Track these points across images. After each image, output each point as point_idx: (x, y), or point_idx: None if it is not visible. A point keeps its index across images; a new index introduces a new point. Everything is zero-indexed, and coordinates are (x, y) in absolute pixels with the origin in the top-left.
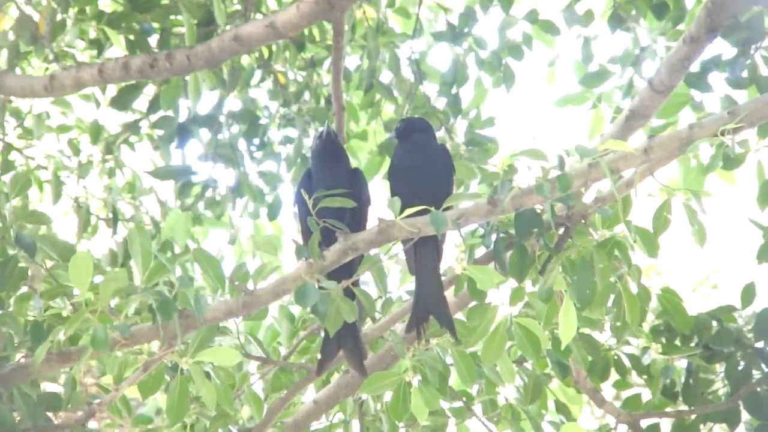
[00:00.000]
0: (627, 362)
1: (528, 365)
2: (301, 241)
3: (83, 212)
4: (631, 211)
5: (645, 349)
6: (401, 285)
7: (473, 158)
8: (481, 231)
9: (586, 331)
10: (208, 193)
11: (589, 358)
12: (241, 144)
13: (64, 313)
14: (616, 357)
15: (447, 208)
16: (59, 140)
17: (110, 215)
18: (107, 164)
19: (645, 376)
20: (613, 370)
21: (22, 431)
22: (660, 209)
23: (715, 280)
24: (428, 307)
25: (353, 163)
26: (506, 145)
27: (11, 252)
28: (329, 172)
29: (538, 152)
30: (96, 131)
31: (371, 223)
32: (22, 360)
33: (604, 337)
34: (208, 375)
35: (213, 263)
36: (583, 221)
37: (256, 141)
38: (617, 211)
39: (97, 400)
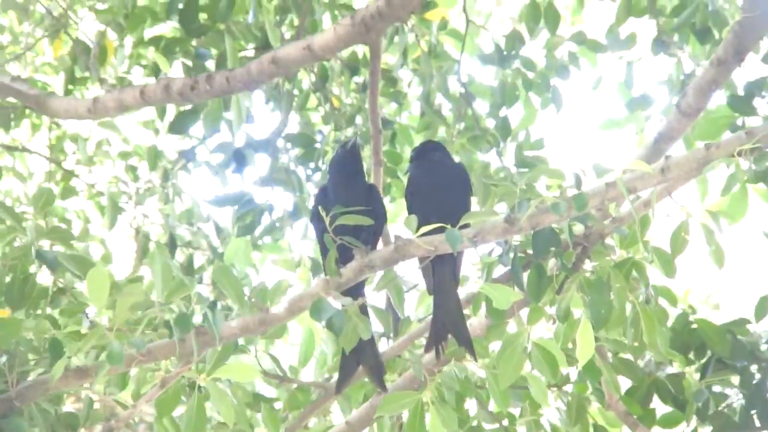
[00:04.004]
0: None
1: (567, 388)
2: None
3: (142, 238)
4: (648, 231)
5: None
6: (418, 306)
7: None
8: (499, 250)
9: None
10: (266, 219)
11: (629, 384)
12: (298, 168)
13: (83, 331)
14: (657, 382)
15: (464, 226)
16: (115, 165)
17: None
18: (165, 191)
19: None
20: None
21: None
22: (677, 230)
23: (717, 300)
24: (447, 326)
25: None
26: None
27: (32, 270)
28: (346, 189)
29: (556, 171)
30: (154, 157)
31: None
32: (41, 376)
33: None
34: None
35: (233, 282)
36: (600, 241)
37: (312, 165)
38: (635, 231)
39: (115, 417)
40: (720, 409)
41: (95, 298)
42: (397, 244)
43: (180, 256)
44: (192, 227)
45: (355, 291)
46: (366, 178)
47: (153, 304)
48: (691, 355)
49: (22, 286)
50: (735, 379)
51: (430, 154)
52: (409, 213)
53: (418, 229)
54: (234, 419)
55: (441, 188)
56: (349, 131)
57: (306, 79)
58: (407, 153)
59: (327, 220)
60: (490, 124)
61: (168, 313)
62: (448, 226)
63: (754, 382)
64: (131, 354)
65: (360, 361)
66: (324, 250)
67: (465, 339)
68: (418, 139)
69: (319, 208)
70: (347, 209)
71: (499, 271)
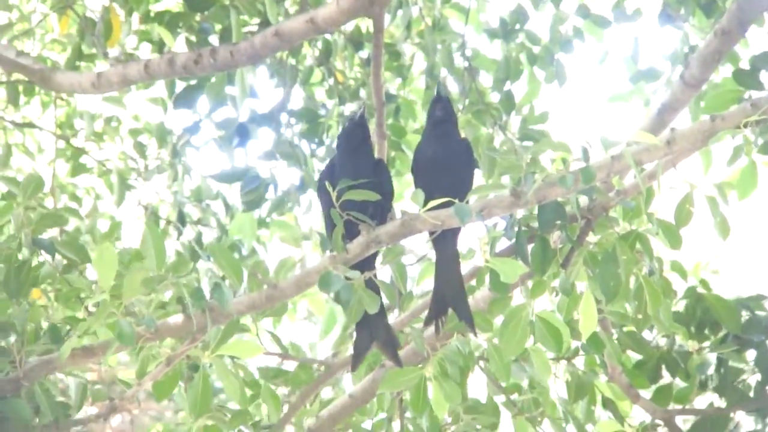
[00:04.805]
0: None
1: (577, 362)
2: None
3: (150, 216)
4: (653, 203)
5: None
6: (421, 280)
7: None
8: (503, 224)
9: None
10: (271, 193)
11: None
12: (302, 143)
13: (79, 315)
14: (665, 356)
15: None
16: (123, 143)
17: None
18: (174, 168)
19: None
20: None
21: (43, 427)
22: (682, 202)
23: (716, 266)
24: (447, 301)
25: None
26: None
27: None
28: (353, 162)
29: (562, 144)
30: (163, 134)
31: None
32: (46, 355)
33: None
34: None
35: (230, 259)
36: (605, 213)
37: (316, 140)
38: (639, 204)
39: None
40: (735, 383)
41: (103, 276)
42: (404, 219)
43: (190, 233)
44: (201, 204)
45: (363, 266)
46: (373, 152)
47: (165, 279)
48: (707, 331)
49: (17, 273)
50: (751, 355)
51: (437, 127)
52: (415, 187)
53: (424, 204)
54: (238, 397)
55: (445, 163)
56: (353, 106)
57: (310, 53)
58: (411, 127)
59: (334, 195)
60: (494, 98)
61: (179, 288)
62: (456, 201)
63: None
64: (138, 332)
65: (373, 336)
66: (330, 225)
67: (465, 313)
68: (422, 114)
69: (326, 182)
70: (354, 183)
71: (501, 245)
